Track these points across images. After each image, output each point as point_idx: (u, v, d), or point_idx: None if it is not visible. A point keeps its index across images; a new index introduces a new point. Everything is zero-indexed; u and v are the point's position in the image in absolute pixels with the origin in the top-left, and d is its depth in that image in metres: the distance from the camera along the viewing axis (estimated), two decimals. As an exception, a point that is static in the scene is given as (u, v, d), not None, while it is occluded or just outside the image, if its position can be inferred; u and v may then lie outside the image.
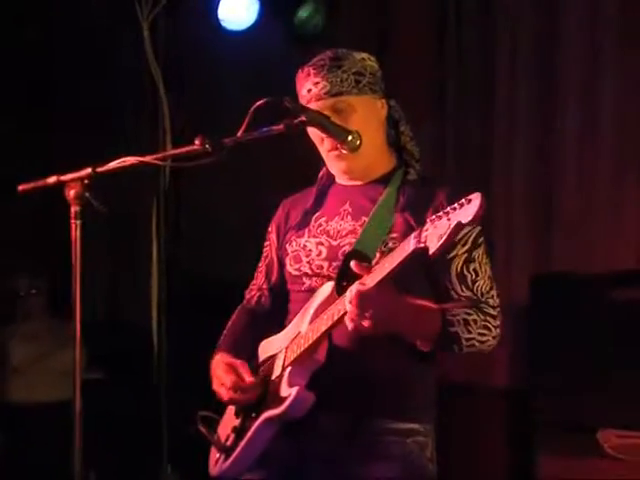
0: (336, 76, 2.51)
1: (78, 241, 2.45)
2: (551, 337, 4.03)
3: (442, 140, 4.83)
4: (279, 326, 2.63)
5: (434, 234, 2.08)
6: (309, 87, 2.54)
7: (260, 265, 2.79)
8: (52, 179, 2.49)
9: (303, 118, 2.48)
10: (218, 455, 2.60)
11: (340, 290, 2.39)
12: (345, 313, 2.28)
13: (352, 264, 2.30)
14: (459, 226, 2.04)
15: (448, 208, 2.09)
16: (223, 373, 2.55)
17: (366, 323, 2.25)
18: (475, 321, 2.41)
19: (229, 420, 2.62)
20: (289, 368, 2.46)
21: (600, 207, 4.43)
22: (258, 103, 2.45)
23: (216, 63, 4.49)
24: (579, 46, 4.49)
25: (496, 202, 4.64)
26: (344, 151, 2.53)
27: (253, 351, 2.66)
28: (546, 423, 3.99)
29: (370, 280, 2.25)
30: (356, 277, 2.31)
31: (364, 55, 2.59)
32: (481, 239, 2.51)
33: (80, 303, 2.47)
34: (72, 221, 2.45)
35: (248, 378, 2.52)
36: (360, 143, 2.51)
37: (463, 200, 2.07)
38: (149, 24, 4.10)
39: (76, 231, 2.45)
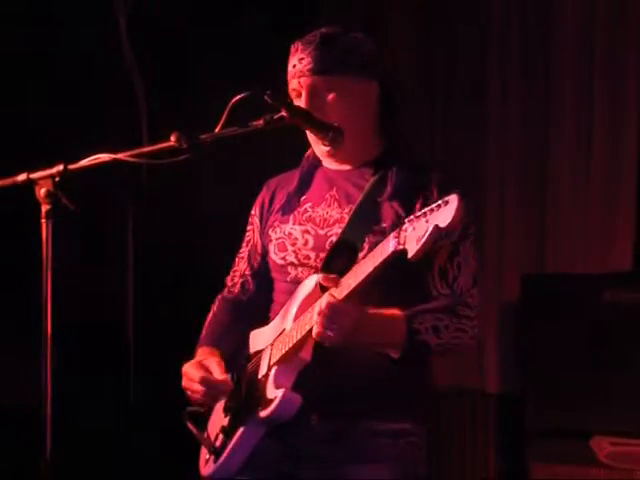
0: (322, 53, 2.42)
1: (49, 241, 2.37)
2: (543, 340, 3.98)
3: (432, 139, 4.79)
4: (266, 314, 2.57)
5: (413, 236, 2.02)
6: (294, 62, 2.47)
7: (242, 250, 2.72)
8: (21, 176, 2.41)
9: (284, 113, 2.40)
10: (208, 455, 2.54)
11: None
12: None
13: (320, 278, 2.29)
14: (437, 229, 1.97)
15: (426, 209, 2.02)
16: (193, 369, 2.49)
17: (331, 334, 2.22)
18: (447, 326, 2.35)
19: (218, 418, 2.56)
20: (275, 368, 2.40)
21: (593, 207, 4.39)
22: (237, 97, 2.38)
23: (197, 53, 4.44)
24: (574, 36, 4.46)
25: (488, 201, 4.61)
26: (326, 147, 2.46)
27: (237, 345, 2.60)
28: (538, 429, 3.95)
29: (353, 280, 2.19)
30: (341, 271, 2.27)
31: (359, 35, 2.49)
32: (469, 230, 2.43)
33: (51, 305, 2.37)
34: (42, 220, 2.36)
35: (218, 375, 2.45)
36: (342, 139, 2.43)
37: (441, 201, 2.00)
38: (125, 12, 4.04)
39: (47, 231, 2.37)
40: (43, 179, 2.38)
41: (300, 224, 2.52)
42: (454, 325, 2.36)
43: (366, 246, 2.37)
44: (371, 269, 2.15)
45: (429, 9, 4.77)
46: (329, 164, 2.57)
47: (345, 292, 2.22)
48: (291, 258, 2.50)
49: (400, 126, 2.55)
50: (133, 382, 4.36)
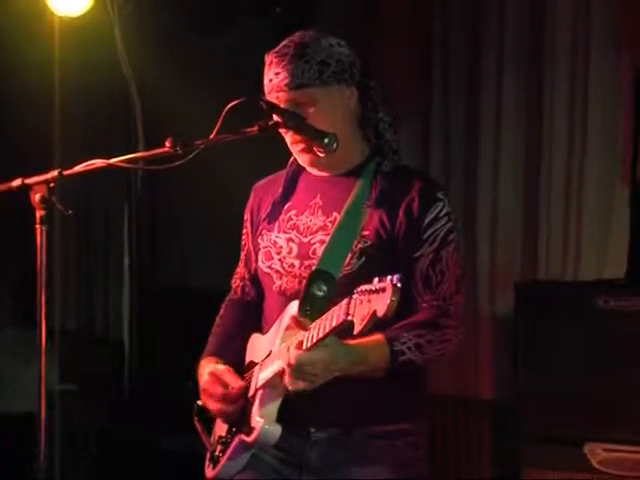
0: (298, 67, 2.40)
1: (44, 247, 2.37)
2: (537, 347, 3.97)
3: (427, 141, 4.80)
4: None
5: (359, 312, 2.06)
6: (270, 77, 2.45)
7: (241, 254, 2.73)
8: (16, 182, 2.42)
9: (278, 119, 2.41)
10: (208, 460, 2.57)
11: (304, 314, 2.34)
12: None
13: (291, 319, 2.34)
14: (375, 315, 2.02)
15: (371, 286, 2.05)
16: (209, 384, 2.50)
17: (303, 384, 2.26)
18: (430, 341, 2.37)
19: (220, 424, 2.58)
20: (260, 392, 2.42)
21: (588, 215, 4.38)
22: (232, 103, 2.39)
23: (190, 60, 4.45)
24: (568, 39, 4.44)
25: (480, 207, 4.61)
26: (321, 154, 2.45)
27: (243, 347, 2.61)
28: (532, 435, 3.94)
29: (315, 334, 2.22)
30: (321, 302, 2.30)
31: (333, 41, 2.46)
32: (452, 236, 2.44)
33: (45, 312, 2.37)
34: (37, 226, 2.37)
35: (235, 385, 2.46)
36: (337, 146, 2.42)
37: (379, 285, 2.03)
38: (120, 21, 4.05)
39: (41, 237, 2.37)
40: (38, 185, 2.38)
41: (285, 232, 2.52)
42: (437, 338, 2.38)
43: (349, 256, 2.39)
44: (328, 330, 2.17)
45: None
46: (312, 171, 2.57)
47: (310, 344, 2.23)
48: (277, 266, 2.51)
49: (382, 127, 2.53)
50: (129, 383, 4.37)
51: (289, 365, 2.24)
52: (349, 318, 2.08)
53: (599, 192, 4.38)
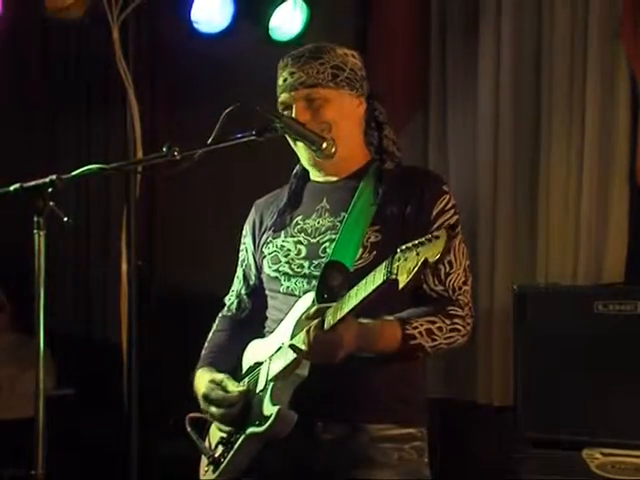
0: (313, 68, 2.49)
1: (42, 252, 2.36)
2: (536, 351, 3.97)
3: (425, 146, 4.81)
4: (263, 330, 2.60)
5: (404, 267, 2.06)
6: (285, 77, 2.52)
7: (238, 271, 2.75)
8: (14, 187, 2.41)
9: (276, 125, 2.42)
10: (207, 465, 2.57)
11: (321, 301, 2.33)
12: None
13: (306, 308, 2.35)
14: (426, 263, 2.03)
15: (417, 241, 2.06)
16: (209, 390, 2.52)
17: (319, 360, 2.29)
18: (440, 328, 2.41)
19: (215, 430, 2.58)
20: (272, 383, 2.42)
21: (585, 220, 4.38)
22: (230, 109, 2.40)
23: (189, 66, 4.46)
24: (566, 38, 4.45)
25: (480, 213, 4.61)
26: (318, 158, 2.48)
27: (236, 361, 2.63)
28: (530, 440, 3.94)
29: (341, 309, 2.22)
30: (337, 291, 2.29)
31: (347, 51, 2.56)
32: (458, 228, 2.46)
33: (43, 317, 2.36)
34: (35, 231, 2.36)
35: (234, 389, 2.48)
36: (335, 150, 2.46)
37: (430, 235, 2.05)
38: (119, 26, 4.06)
39: (39, 242, 2.36)
40: (36, 189, 2.38)
41: (292, 236, 2.55)
42: (447, 327, 2.42)
43: (361, 250, 2.42)
44: (363, 296, 2.17)
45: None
46: (317, 177, 2.60)
47: (333, 322, 2.24)
48: (285, 269, 2.52)
49: (386, 143, 2.59)
50: (127, 388, 4.36)
51: (307, 344, 2.25)
52: (392, 277, 2.08)
53: (598, 196, 4.38)
